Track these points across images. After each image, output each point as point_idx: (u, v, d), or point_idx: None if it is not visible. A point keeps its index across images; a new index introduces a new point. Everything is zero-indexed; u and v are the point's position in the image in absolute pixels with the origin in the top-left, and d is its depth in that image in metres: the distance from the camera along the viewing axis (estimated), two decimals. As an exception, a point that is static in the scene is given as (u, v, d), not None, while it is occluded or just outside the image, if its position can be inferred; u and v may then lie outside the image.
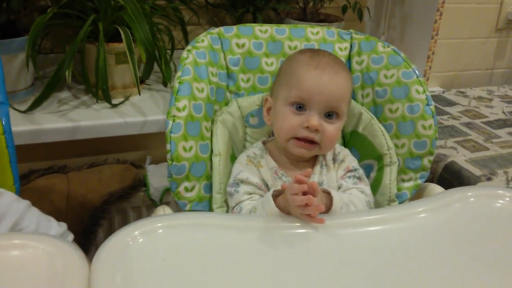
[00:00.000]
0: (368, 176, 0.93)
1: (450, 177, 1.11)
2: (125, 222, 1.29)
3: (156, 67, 1.34)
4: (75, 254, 0.59)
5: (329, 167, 0.86)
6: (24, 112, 1.22)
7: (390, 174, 0.90)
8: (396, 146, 0.92)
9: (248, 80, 0.95)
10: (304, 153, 0.82)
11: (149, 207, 1.30)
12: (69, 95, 1.37)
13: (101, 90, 1.24)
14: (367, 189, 0.84)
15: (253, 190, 0.80)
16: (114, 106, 1.28)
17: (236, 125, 0.92)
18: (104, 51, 1.21)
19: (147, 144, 1.37)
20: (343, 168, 0.86)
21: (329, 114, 0.81)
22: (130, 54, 1.16)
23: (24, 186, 1.20)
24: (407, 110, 0.90)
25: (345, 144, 0.98)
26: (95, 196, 1.19)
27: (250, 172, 0.82)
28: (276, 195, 0.74)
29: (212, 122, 0.87)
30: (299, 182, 0.69)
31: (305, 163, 0.85)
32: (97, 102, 1.31)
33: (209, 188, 0.84)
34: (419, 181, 0.92)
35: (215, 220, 0.69)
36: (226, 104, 0.93)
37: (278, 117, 0.83)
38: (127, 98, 1.33)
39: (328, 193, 0.76)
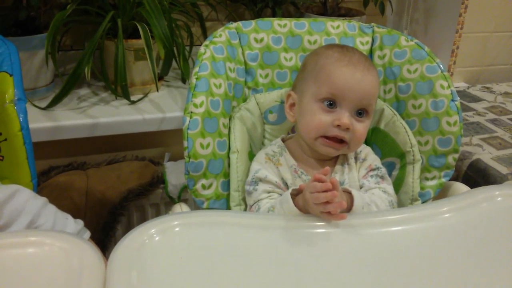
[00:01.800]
0: (390, 175, 0.90)
1: (476, 176, 1.08)
2: (143, 218, 1.29)
3: (175, 63, 1.33)
4: (91, 251, 0.59)
5: (350, 166, 0.83)
6: (44, 109, 1.23)
7: (413, 173, 0.87)
8: (419, 143, 0.89)
9: (266, 76, 0.94)
10: (332, 152, 0.80)
11: (167, 204, 1.30)
12: (88, 92, 1.38)
13: (120, 87, 1.24)
14: (390, 189, 0.82)
15: (272, 188, 0.79)
16: (133, 102, 1.28)
17: (255, 122, 0.90)
18: (123, 48, 1.21)
19: (166, 141, 1.36)
20: (365, 167, 0.83)
21: (360, 112, 0.79)
22: (148, 50, 1.15)
23: (44, 182, 1.21)
24: (431, 106, 0.87)
25: (366, 141, 0.95)
26: (114, 192, 1.19)
27: (268, 170, 0.80)
28: (294, 194, 0.72)
29: (230, 119, 0.86)
30: (318, 180, 0.67)
31: (326, 161, 0.83)
32: (116, 99, 1.32)
33: (227, 185, 0.82)
34: (443, 180, 0.89)
35: (232, 218, 0.68)
36: (244, 100, 0.91)
37: (306, 114, 0.80)
38: (146, 95, 1.33)
39: (349, 193, 0.74)
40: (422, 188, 0.89)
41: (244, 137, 0.86)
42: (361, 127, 0.79)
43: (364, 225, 0.71)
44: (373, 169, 0.83)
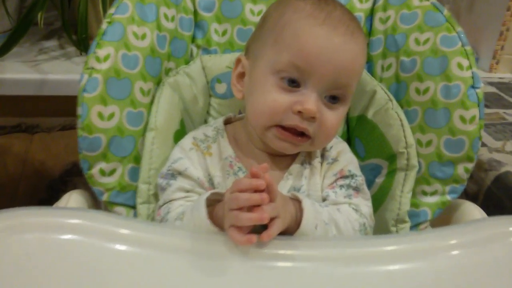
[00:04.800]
0: (372, 182, 0.66)
1: (501, 194, 0.81)
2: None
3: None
4: None
5: (313, 167, 0.60)
6: (-8, 58, 1.05)
7: (403, 183, 0.63)
8: (418, 143, 0.64)
9: (224, 33, 0.71)
10: (287, 149, 0.57)
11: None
12: (55, 44, 1.20)
13: (79, 39, 1.05)
14: (366, 207, 0.58)
15: (191, 187, 0.56)
16: (96, 60, 1.09)
17: (196, 92, 0.67)
18: (86, -5, 1.01)
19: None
20: (334, 171, 0.59)
21: (333, 96, 0.55)
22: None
23: (-19, 143, 1.04)
24: (441, 93, 0.62)
25: (348, 132, 0.71)
26: (56, 164, 1.01)
27: (192, 161, 0.58)
28: (216, 200, 0.50)
29: (159, 84, 0.64)
30: (253, 176, 0.46)
31: (279, 157, 0.60)
32: (81, 54, 1.12)
33: (138, 174, 0.61)
34: (448, 197, 0.64)
35: (86, 222, 0.46)
36: (188, 62, 0.69)
37: (257, 91, 0.57)
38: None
39: (299, 202, 0.51)
40: (415, 205, 0.65)
41: (173, 111, 0.63)
42: (333, 117, 0.55)
43: (310, 258, 0.48)
44: (345, 177, 0.59)
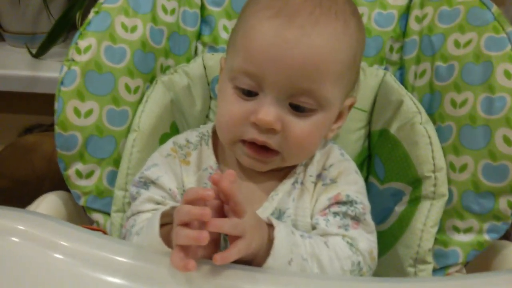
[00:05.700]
0: (391, 210, 0.55)
1: None
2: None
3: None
4: None
5: (305, 187, 0.50)
6: (34, 56, 1.07)
7: (428, 214, 0.51)
8: (451, 166, 0.52)
9: (234, 30, 0.63)
10: (256, 166, 0.48)
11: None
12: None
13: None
14: (365, 243, 0.46)
15: (162, 198, 0.49)
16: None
17: (194, 93, 0.61)
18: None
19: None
20: (329, 194, 0.48)
21: (295, 106, 0.45)
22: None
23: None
24: (482, 106, 0.50)
25: (370, 148, 0.60)
26: (81, 165, 0.98)
27: (166, 169, 0.51)
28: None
29: (152, 82, 0.58)
30: (214, 184, 0.38)
31: (269, 173, 0.50)
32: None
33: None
34: (486, 237, 0.51)
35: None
36: (190, 60, 0.62)
37: (220, 101, 0.50)
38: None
39: (273, 228, 0.42)
40: (444, 243, 0.53)
41: (163, 112, 0.57)
42: (303, 127, 0.46)
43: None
44: (342, 203, 0.47)
